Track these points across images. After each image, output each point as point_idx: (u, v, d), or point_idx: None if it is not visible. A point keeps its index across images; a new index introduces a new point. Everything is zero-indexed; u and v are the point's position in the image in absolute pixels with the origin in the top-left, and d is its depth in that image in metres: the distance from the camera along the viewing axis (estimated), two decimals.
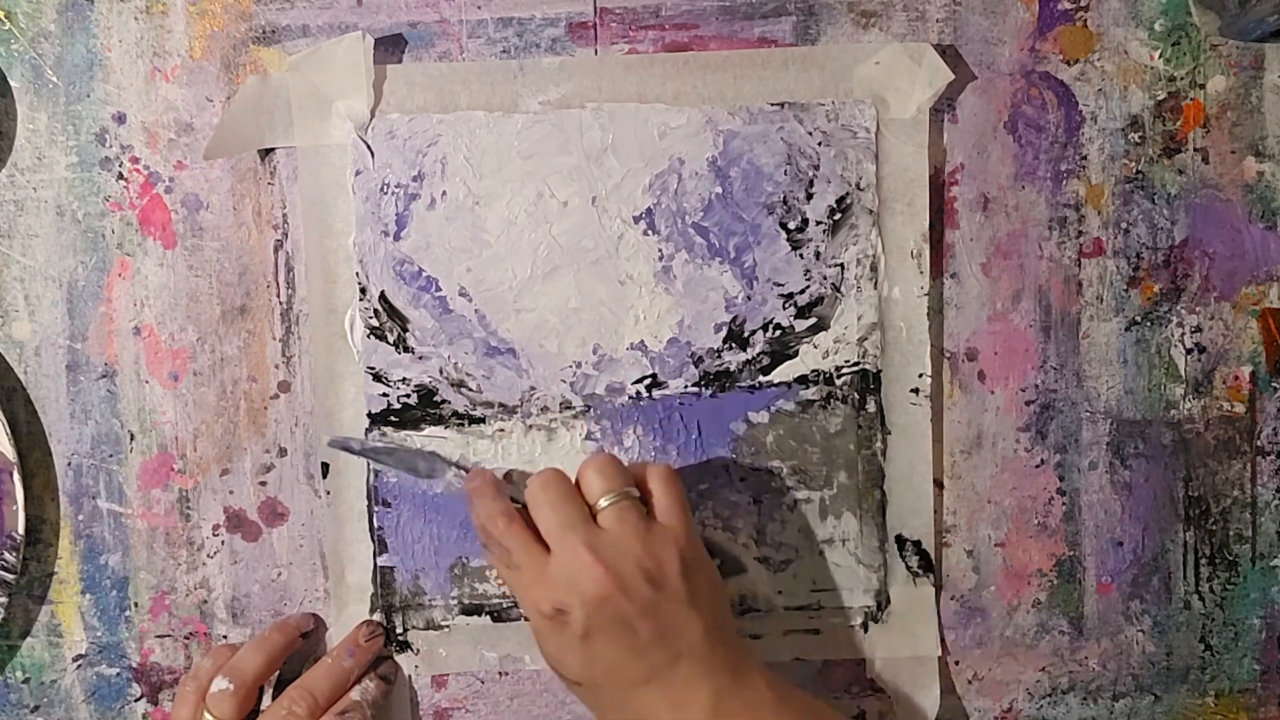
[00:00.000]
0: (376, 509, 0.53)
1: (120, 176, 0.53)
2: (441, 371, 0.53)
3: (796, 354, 0.53)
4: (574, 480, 0.47)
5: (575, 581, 0.44)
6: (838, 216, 0.52)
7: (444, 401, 0.53)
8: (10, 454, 0.52)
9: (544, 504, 0.46)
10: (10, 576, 0.52)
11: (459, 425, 0.53)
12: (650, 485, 0.47)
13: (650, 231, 0.52)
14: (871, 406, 0.53)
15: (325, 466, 0.53)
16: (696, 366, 0.53)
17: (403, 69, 0.52)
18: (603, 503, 0.46)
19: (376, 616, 0.53)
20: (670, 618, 0.44)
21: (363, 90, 0.51)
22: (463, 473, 0.51)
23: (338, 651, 0.52)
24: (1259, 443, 0.54)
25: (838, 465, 0.53)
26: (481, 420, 0.53)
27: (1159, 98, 0.53)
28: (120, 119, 0.52)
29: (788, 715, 0.45)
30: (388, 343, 0.52)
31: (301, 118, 0.52)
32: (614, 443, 0.53)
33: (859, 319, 0.53)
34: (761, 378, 0.53)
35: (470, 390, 0.53)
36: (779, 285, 0.52)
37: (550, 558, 0.45)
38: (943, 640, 0.54)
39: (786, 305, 0.53)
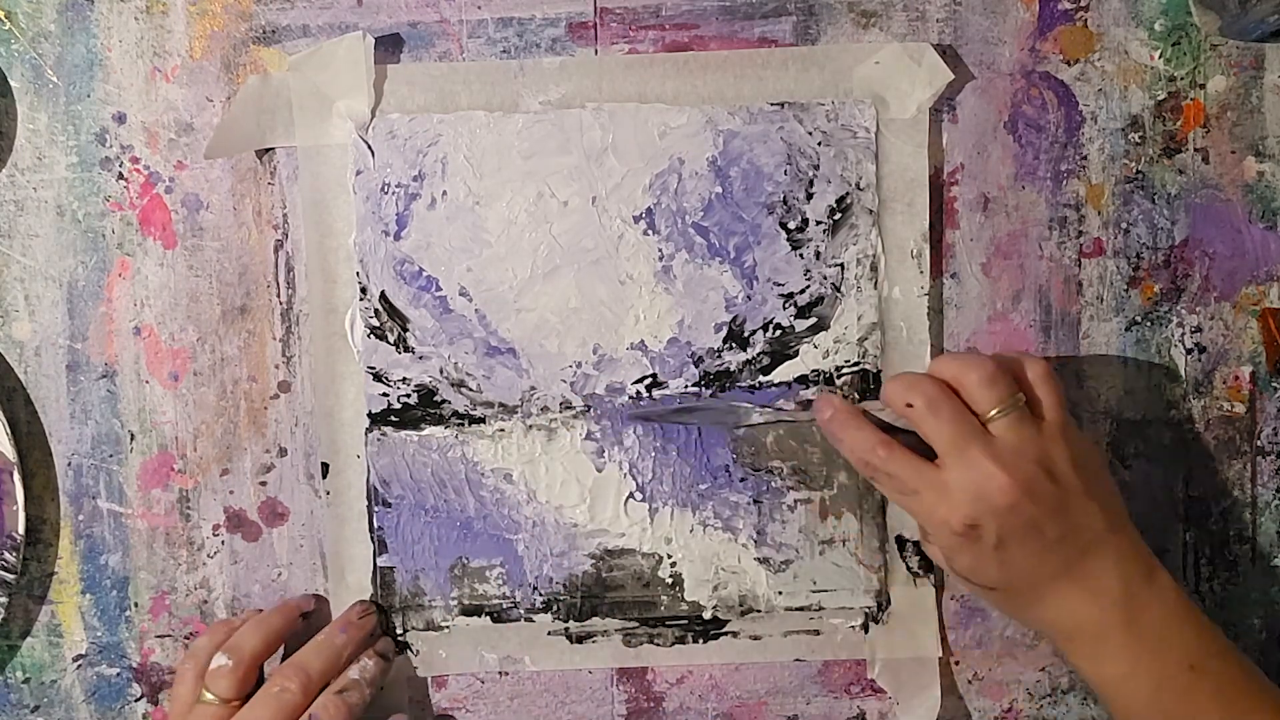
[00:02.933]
0: (376, 509, 0.53)
1: (120, 176, 0.53)
2: (442, 371, 0.53)
3: (796, 354, 0.53)
4: (937, 376, 0.47)
5: (983, 494, 0.44)
6: (838, 216, 0.52)
7: (444, 401, 0.53)
8: (10, 454, 0.52)
9: (939, 418, 0.46)
10: (10, 576, 0.52)
11: (459, 425, 0.53)
12: (1031, 384, 0.47)
13: (650, 231, 0.52)
14: None
15: (325, 466, 0.53)
16: (696, 366, 0.53)
17: (403, 69, 0.52)
18: (994, 413, 0.45)
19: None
20: (1074, 512, 0.45)
21: (363, 90, 0.51)
22: (766, 409, 0.51)
23: (330, 628, 0.51)
24: (1259, 443, 0.54)
25: (838, 465, 0.53)
26: (481, 420, 0.53)
27: (1159, 98, 0.53)
28: (120, 119, 0.52)
29: (1194, 610, 0.46)
30: (388, 342, 0.52)
31: (302, 118, 0.52)
32: (614, 443, 0.53)
33: (859, 319, 0.53)
34: (761, 378, 0.53)
35: (470, 390, 0.53)
36: (779, 285, 0.52)
37: (947, 474, 0.45)
38: (943, 640, 0.54)
39: (786, 305, 0.53)
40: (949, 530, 0.45)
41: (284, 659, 0.52)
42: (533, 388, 0.53)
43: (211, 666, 0.49)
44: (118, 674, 0.54)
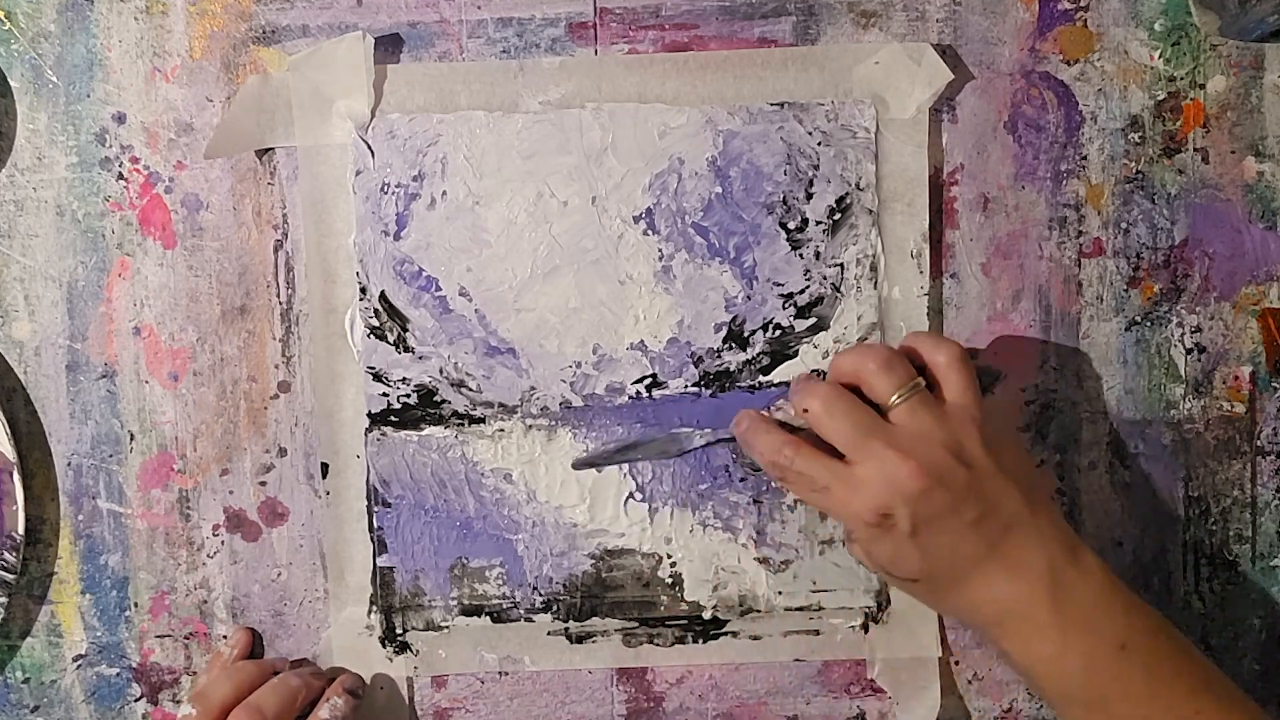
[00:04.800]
0: (376, 509, 0.53)
1: (120, 176, 0.53)
2: (441, 371, 0.53)
3: (796, 354, 0.53)
4: (833, 378, 0.47)
5: (891, 483, 0.44)
6: (837, 216, 0.52)
7: (444, 401, 0.53)
8: (10, 454, 0.52)
9: (834, 418, 0.45)
10: (10, 576, 0.52)
11: (459, 425, 0.53)
12: (936, 366, 0.46)
13: (650, 231, 0.52)
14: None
15: (325, 466, 0.53)
16: (696, 366, 0.53)
17: (403, 69, 0.52)
18: (894, 399, 0.45)
19: (375, 625, 0.53)
20: (989, 493, 0.44)
21: (363, 90, 0.51)
22: (707, 431, 0.51)
23: (285, 673, 0.51)
24: (1259, 443, 0.54)
25: None
26: (481, 420, 0.53)
27: (1159, 98, 0.53)
28: (120, 119, 0.52)
29: (1122, 587, 0.45)
30: (388, 343, 0.52)
31: (302, 117, 0.52)
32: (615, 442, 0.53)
33: (859, 319, 0.53)
34: (761, 378, 0.53)
35: (470, 390, 0.53)
36: (779, 285, 0.52)
37: (854, 467, 0.45)
38: (943, 640, 0.54)
39: (786, 305, 0.53)
40: (862, 522, 0.45)
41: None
42: (532, 388, 0.53)
43: (180, 715, 0.49)
44: (117, 674, 0.54)
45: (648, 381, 0.53)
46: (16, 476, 0.52)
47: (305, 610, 0.54)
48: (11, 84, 0.52)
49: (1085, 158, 0.53)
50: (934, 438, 0.44)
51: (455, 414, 0.53)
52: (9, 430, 0.52)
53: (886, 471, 0.44)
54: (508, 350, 0.53)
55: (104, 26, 0.52)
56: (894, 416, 0.45)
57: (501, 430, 0.53)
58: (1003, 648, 0.46)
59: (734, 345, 0.53)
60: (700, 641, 0.54)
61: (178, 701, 0.54)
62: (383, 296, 0.52)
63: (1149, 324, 0.54)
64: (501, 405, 0.53)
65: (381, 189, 0.52)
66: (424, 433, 0.53)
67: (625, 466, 0.53)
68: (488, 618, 0.53)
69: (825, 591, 0.53)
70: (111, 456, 0.53)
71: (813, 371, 0.52)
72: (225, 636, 0.54)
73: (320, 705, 0.51)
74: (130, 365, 0.53)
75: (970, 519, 0.44)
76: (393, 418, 0.52)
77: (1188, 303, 0.53)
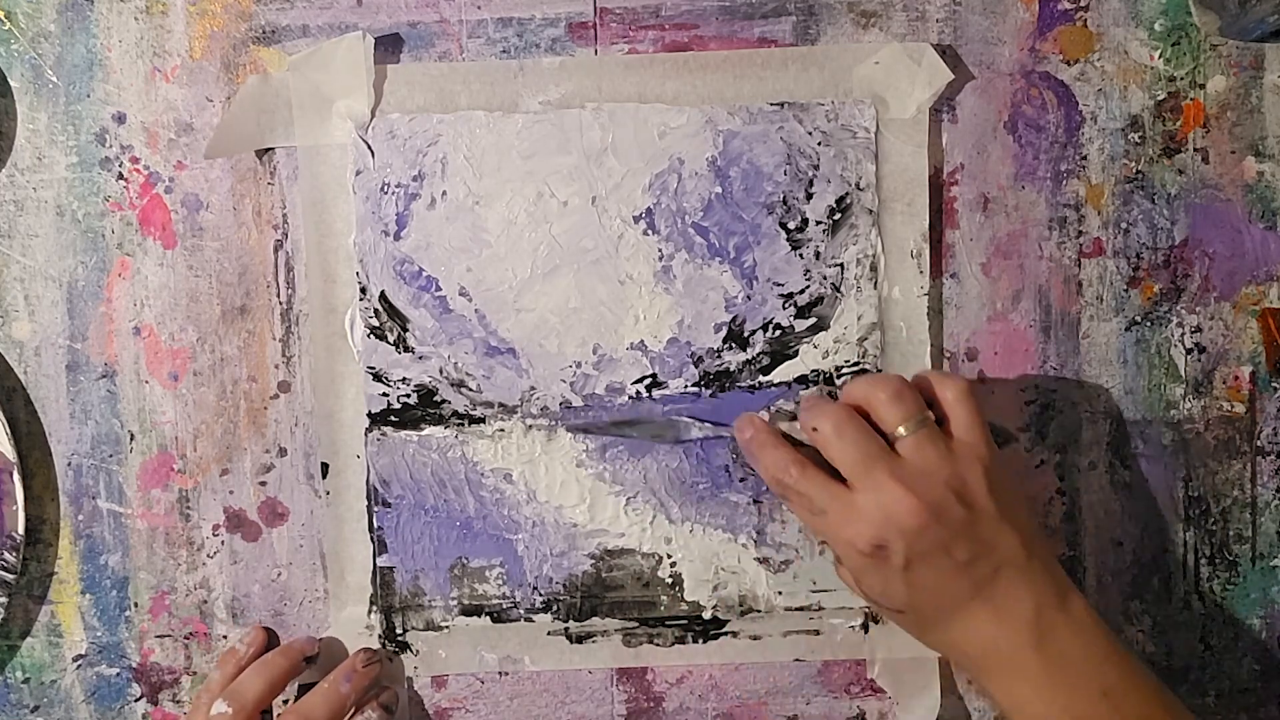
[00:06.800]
0: (376, 509, 0.53)
1: (120, 176, 0.53)
2: (441, 371, 0.53)
3: (796, 354, 0.53)
4: (846, 401, 0.46)
5: (889, 516, 0.44)
6: (837, 216, 0.52)
7: (444, 401, 0.53)
8: (10, 454, 0.52)
9: (842, 441, 0.45)
10: (10, 576, 0.52)
11: (459, 425, 0.53)
12: (945, 402, 0.46)
13: (650, 231, 0.52)
14: None
15: (325, 466, 0.53)
16: (696, 366, 0.53)
17: (403, 69, 0.52)
18: (901, 431, 0.45)
19: (375, 625, 0.53)
20: (985, 534, 0.44)
21: (363, 90, 0.51)
22: (706, 425, 0.51)
23: (335, 676, 0.51)
24: (1259, 443, 0.54)
25: None
26: (481, 420, 0.53)
27: (1159, 98, 0.53)
28: (120, 119, 0.52)
29: (1109, 636, 0.45)
30: (388, 342, 0.52)
31: (302, 117, 0.52)
32: (615, 442, 0.53)
33: (859, 319, 0.53)
34: (761, 378, 0.53)
35: (470, 390, 0.53)
36: (779, 285, 0.52)
37: (855, 494, 0.45)
38: None
39: (786, 305, 0.53)
40: (856, 551, 0.45)
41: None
42: (532, 388, 0.53)
43: (212, 713, 0.49)
44: (117, 674, 0.54)
45: (648, 381, 0.53)
46: (16, 476, 0.52)
47: (305, 610, 0.54)
48: (11, 84, 0.52)
49: (1085, 158, 0.53)
50: (938, 474, 0.44)
51: (455, 414, 0.53)
52: (9, 430, 0.52)
53: (886, 503, 0.44)
54: (508, 350, 0.53)
55: (104, 26, 0.52)
56: (901, 448, 0.45)
57: (501, 430, 0.53)
58: (985, 688, 0.46)
59: (734, 345, 0.53)
60: (700, 641, 0.54)
61: (177, 701, 0.54)
62: (383, 296, 0.52)
63: (1149, 324, 0.54)
64: (501, 405, 0.53)
65: (381, 189, 0.52)
66: (424, 433, 0.53)
67: (616, 466, 0.53)
68: (488, 618, 0.53)
69: (825, 591, 0.53)
70: (111, 456, 0.53)
71: (823, 389, 0.52)
72: (226, 636, 0.54)
73: (355, 717, 0.51)
74: (130, 365, 0.53)
75: (963, 559, 0.44)
76: (393, 418, 0.52)
77: (1188, 303, 0.53)
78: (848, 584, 0.49)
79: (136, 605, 0.54)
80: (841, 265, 0.52)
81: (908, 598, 0.45)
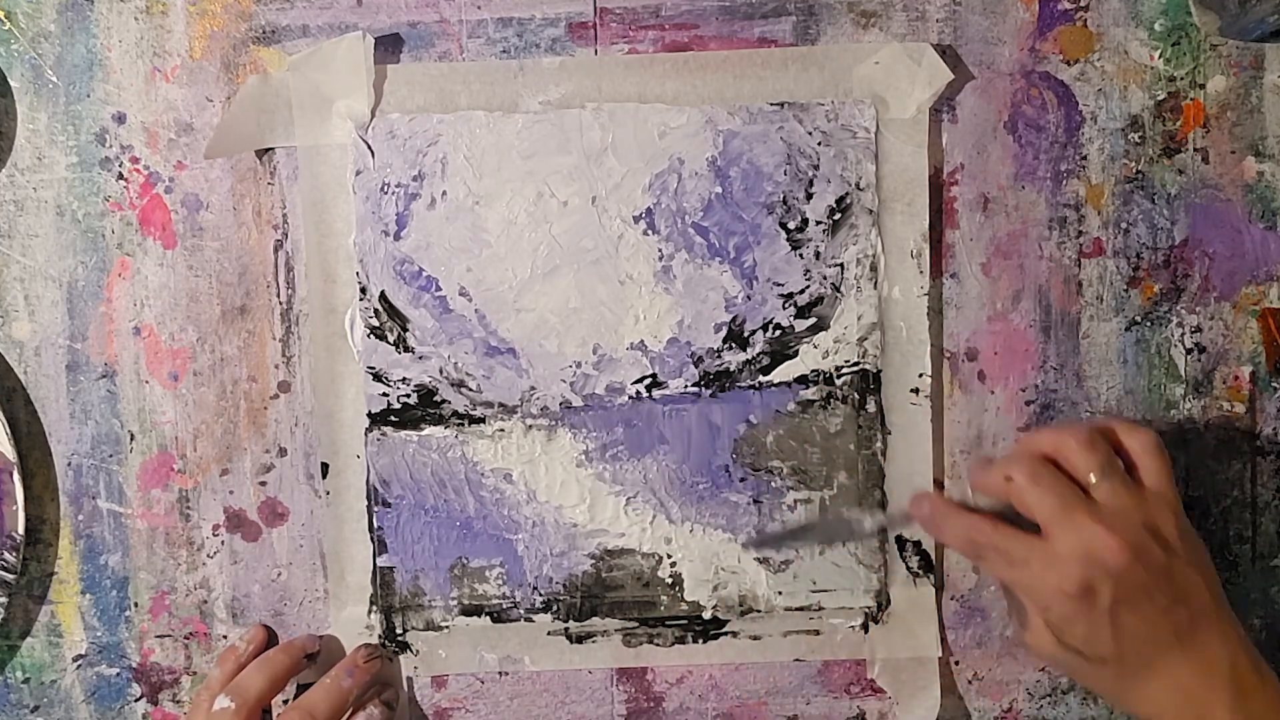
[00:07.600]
0: (376, 509, 0.53)
1: (120, 176, 0.53)
2: (441, 371, 0.53)
3: (796, 354, 0.53)
4: (1033, 450, 0.46)
5: (1094, 556, 0.43)
6: (837, 216, 0.52)
7: (444, 401, 0.53)
8: (10, 454, 0.52)
9: (1038, 489, 0.45)
10: (10, 576, 0.52)
11: (459, 425, 0.53)
12: (1133, 451, 0.46)
13: (650, 231, 0.52)
14: (871, 406, 0.53)
15: (325, 466, 0.53)
16: (696, 366, 0.53)
17: (403, 69, 0.52)
18: (1094, 478, 0.45)
19: (375, 625, 0.53)
20: (1181, 580, 0.44)
21: (363, 90, 0.51)
22: (880, 514, 0.52)
23: (336, 672, 0.51)
24: (1259, 443, 0.54)
25: (838, 465, 0.53)
26: (481, 420, 0.53)
27: (1159, 98, 0.53)
28: (120, 119, 0.52)
29: None
30: (388, 342, 0.52)
31: (302, 117, 0.52)
32: (615, 441, 0.53)
33: (859, 319, 0.53)
34: (761, 378, 0.53)
35: (470, 390, 0.53)
36: (779, 285, 0.52)
37: (1055, 540, 0.44)
38: (943, 640, 0.54)
39: (786, 305, 0.53)
40: (1063, 596, 0.44)
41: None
42: (532, 388, 0.53)
43: (215, 708, 0.49)
44: (117, 674, 0.54)
45: (648, 381, 0.53)
46: (16, 476, 0.52)
47: (305, 610, 0.54)
48: (11, 84, 0.52)
49: (1085, 158, 0.53)
50: (1134, 517, 0.44)
51: (455, 414, 0.53)
52: (9, 430, 0.52)
53: (1089, 544, 0.44)
54: (508, 350, 0.53)
55: (104, 26, 0.52)
56: (1096, 494, 0.45)
57: (501, 430, 0.53)
58: None
59: (734, 345, 0.53)
60: (700, 641, 0.54)
61: (178, 701, 0.54)
62: (383, 296, 0.52)
63: (1149, 324, 0.54)
64: (501, 405, 0.53)
65: (381, 189, 0.52)
66: (424, 433, 0.53)
67: (616, 466, 0.53)
68: (488, 618, 0.53)
69: (825, 591, 0.53)
70: (111, 456, 0.53)
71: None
72: (226, 636, 0.54)
73: (357, 714, 0.51)
74: (130, 365, 0.53)
75: (1163, 604, 0.44)
76: (393, 418, 0.52)
77: (1188, 303, 0.53)
78: (1042, 647, 0.47)
79: (136, 605, 0.54)
80: (841, 265, 0.52)
81: (1114, 644, 0.45)
